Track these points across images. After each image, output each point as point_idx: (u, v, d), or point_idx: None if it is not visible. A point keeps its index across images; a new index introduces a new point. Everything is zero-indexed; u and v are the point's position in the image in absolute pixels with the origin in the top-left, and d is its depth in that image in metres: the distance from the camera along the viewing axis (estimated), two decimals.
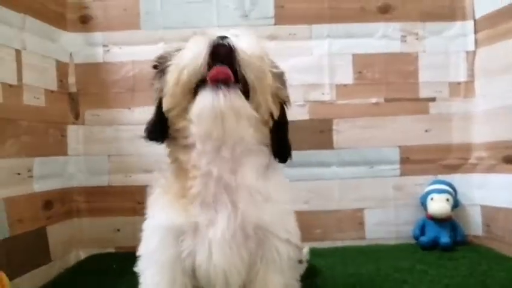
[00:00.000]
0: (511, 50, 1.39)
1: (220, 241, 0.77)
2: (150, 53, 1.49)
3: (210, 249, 0.78)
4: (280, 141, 0.87)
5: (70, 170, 1.53)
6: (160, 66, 0.85)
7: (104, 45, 1.58)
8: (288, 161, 0.89)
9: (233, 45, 0.74)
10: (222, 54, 0.74)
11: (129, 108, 1.57)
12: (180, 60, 0.78)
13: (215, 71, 0.74)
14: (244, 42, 0.76)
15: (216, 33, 0.77)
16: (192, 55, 0.75)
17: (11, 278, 1.02)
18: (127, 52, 1.58)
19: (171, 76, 0.79)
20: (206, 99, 0.73)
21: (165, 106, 0.81)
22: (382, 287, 1.14)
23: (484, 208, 1.51)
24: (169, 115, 0.82)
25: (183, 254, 0.79)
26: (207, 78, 0.74)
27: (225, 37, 0.75)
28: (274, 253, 0.81)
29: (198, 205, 0.80)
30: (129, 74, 1.57)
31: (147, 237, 0.84)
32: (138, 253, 0.84)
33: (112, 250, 1.56)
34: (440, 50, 1.60)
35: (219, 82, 0.73)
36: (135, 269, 0.84)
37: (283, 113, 0.88)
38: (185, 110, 0.78)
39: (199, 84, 0.75)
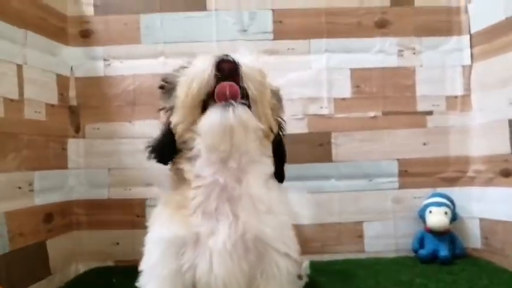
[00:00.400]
0: (506, 64, 1.40)
1: (221, 251, 0.78)
2: (150, 66, 1.56)
3: (210, 260, 0.79)
4: (278, 164, 0.90)
5: (70, 183, 1.53)
6: (167, 86, 0.88)
7: (105, 59, 1.59)
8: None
9: (237, 61, 0.79)
10: (226, 69, 0.78)
11: (130, 122, 1.57)
12: (189, 74, 0.81)
13: (223, 87, 0.77)
14: (245, 58, 0.81)
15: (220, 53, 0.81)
16: (199, 69, 0.80)
17: None
18: (128, 66, 1.59)
19: (181, 89, 0.82)
20: (216, 115, 0.76)
21: (175, 120, 0.84)
22: None
23: (482, 221, 1.52)
24: (178, 128, 0.84)
25: (183, 268, 0.80)
26: (215, 95, 0.77)
27: (229, 55, 0.80)
28: (274, 268, 0.82)
29: (199, 215, 0.81)
30: (130, 87, 1.58)
31: (148, 251, 0.84)
32: (140, 268, 0.85)
33: (111, 263, 1.55)
34: (437, 64, 1.62)
35: (227, 98, 0.76)
36: (137, 284, 0.85)
37: (279, 131, 0.91)
38: (193, 123, 0.81)
39: (207, 99, 0.79)
